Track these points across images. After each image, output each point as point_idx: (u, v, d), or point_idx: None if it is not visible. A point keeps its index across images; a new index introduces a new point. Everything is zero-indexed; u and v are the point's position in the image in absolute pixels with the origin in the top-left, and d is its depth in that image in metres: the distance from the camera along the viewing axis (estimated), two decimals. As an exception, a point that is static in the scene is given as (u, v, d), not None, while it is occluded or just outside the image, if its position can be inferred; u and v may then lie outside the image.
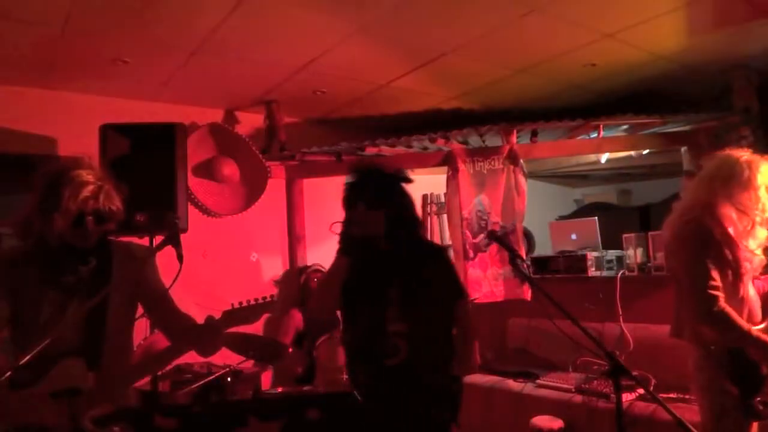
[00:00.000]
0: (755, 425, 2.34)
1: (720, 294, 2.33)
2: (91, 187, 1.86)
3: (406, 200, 2.35)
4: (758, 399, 2.29)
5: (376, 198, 2.25)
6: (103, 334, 1.92)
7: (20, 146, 3.63)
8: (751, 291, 2.43)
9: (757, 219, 2.41)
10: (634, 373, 1.77)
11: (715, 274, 2.34)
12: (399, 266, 2.27)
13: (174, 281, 1.98)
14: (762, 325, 2.40)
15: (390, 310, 2.23)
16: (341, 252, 2.28)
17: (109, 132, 3.31)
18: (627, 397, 3.17)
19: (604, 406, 3.20)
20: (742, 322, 2.32)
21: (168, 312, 2.08)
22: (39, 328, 1.84)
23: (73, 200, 1.83)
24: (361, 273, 2.28)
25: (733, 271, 2.37)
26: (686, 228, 2.45)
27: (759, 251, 2.43)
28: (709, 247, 2.37)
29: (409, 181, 2.39)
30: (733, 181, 2.42)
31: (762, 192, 2.42)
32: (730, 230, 2.37)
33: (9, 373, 1.68)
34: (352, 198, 2.32)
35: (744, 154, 2.50)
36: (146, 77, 3.69)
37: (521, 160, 4.26)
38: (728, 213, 2.39)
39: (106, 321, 1.93)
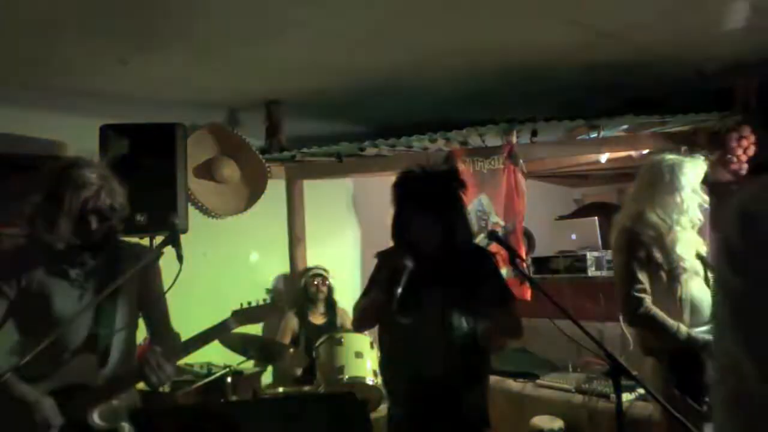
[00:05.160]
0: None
1: (645, 296, 2.40)
2: (92, 187, 1.87)
3: (458, 205, 2.20)
4: (706, 400, 2.30)
5: (427, 202, 2.12)
6: (111, 329, 1.95)
7: (20, 147, 3.63)
8: (695, 292, 2.45)
9: (683, 221, 2.43)
10: (634, 373, 1.76)
11: (642, 277, 2.41)
12: (442, 275, 2.15)
13: (174, 281, 1.99)
14: (705, 327, 2.41)
15: (429, 319, 2.14)
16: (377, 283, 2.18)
17: (109, 132, 3.31)
18: (627, 397, 3.17)
19: (604, 406, 3.20)
20: (672, 322, 2.36)
21: (156, 321, 2.11)
22: (51, 320, 1.86)
23: (75, 201, 1.84)
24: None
25: (667, 273, 2.42)
26: (619, 237, 2.54)
27: (688, 254, 2.44)
28: (636, 251, 2.45)
29: (463, 186, 2.25)
30: (657, 186, 2.47)
31: (686, 193, 2.45)
32: (661, 233, 2.40)
33: (11, 369, 1.70)
34: (400, 200, 2.18)
35: (668, 157, 2.56)
36: (146, 77, 3.69)
37: (521, 160, 4.26)
38: (656, 218, 2.42)
39: (115, 317, 1.96)
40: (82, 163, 1.94)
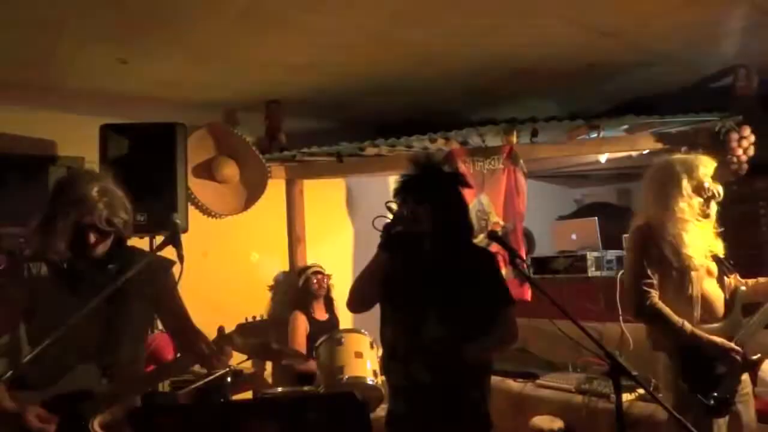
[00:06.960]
0: (721, 421, 2.35)
1: (653, 291, 2.42)
2: (87, 203, 1.85)
3: (460, 203, 2.26)
4: (714, 395, 2.31)
5: (429, 196, 2.17)
6: (118, 340, 1.94)
7: (20, 147, 3.63)
8: (708, 290, 2.47)
9: (693, 220, 2.45)
10: (634, 373, 1.76)
11: (651, 273, 2.43)
12: (443, 270, 2.18)
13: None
14: (717, 324, 2.42)
15: (429, 315, 2.15)
16: (380, 247, 2.20)
17: (109, 132, 3.31)
18: (627, 397, 3.17)
19: (604, 406, 3.20)
20: (676, 318, 2.37)
21: (182, 329, 2.11)
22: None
23: (70, 218, 1.83)
24: (404, 272, 2.21)
25: (678, 272, 2.43)
26: (632, 236, 2.56)
27: (699, 253, 2.45)
28: (647, 249, 2.46)
29: (467, 184, 2.31)
30: (668, 186, 2.49)
31: (696, 192, 2.48)
32: (672, 232, 2.42)
33: (10, 373, 1.69)
34: (403, 192, 2.23)
35: (677, 157, 2.59)
36: (146, 77, 3.69)
37: (521, 160, 4.27)
38: (667, 217, 2.45)
39: (122, 327, 1.95)
40: (83, 178, 1.92)
